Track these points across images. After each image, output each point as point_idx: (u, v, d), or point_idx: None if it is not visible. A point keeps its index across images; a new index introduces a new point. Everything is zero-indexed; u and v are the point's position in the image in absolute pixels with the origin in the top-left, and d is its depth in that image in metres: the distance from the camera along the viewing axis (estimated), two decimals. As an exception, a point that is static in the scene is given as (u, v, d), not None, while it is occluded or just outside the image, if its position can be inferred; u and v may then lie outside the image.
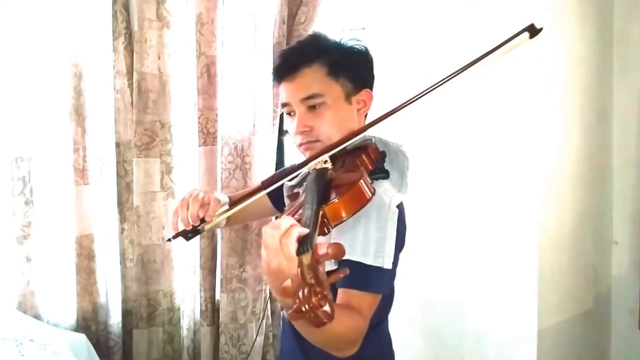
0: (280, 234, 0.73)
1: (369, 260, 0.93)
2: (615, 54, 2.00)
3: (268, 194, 1.13)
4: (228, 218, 1.15)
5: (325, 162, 1.00)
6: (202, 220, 1.09)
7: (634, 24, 1.96)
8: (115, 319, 1.71)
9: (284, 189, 1.23)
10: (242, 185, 1.73)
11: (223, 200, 1.25)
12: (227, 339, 1.77)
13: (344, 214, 0.85)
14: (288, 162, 1.86)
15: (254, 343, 1.75)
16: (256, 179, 1.72)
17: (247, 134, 1.73)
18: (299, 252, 0.71)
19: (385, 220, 0.96)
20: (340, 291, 0.94)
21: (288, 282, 0.73)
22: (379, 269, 0.94)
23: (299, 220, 0.78)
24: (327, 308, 0.64)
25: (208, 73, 1.71)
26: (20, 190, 1.56)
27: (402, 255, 1.05)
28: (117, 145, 1.72)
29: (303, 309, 0.64)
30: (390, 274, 1.00)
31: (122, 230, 1.75)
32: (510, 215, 1.79)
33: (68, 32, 1.59)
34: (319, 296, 0.64)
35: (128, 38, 1.68)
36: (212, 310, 1.78)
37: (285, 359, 1.25)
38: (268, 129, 1.75)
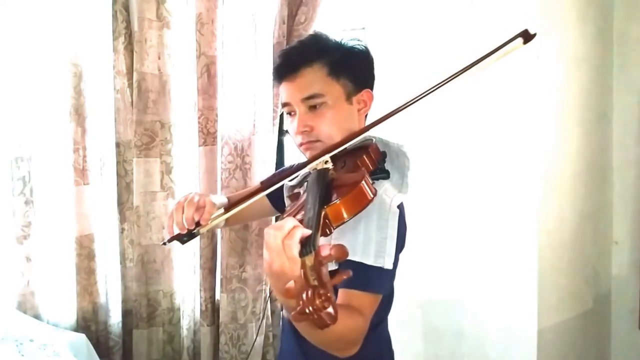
0: (283, 235, 0.73)
1: (369, 261, 0.93)
2: (615, 54, 2.00)
3: (268, 194, 1.13)
4: (227, 219, 1.15)
5: (326, 162, 1.00)
6: (198, 224, 1.08)
7: (634, 24, 1.96)
8: (115, 319, 1.71)
9: (284, 189, 1.23)
10: (242, 185, 1.73)
11: (220, 201, 1.25)
12: (227, 339, 1.77)
13: (345, 215, 0.85)
14: (288, 162, 1.86)
15: (254, 343, 1.75)
16: (256, 179, 1.72)
17: (247, 134, 1.73)
18: (302, 254, 0.71)
19: (386, 220, 0.96)
20: (341, 291, 0.94)
21: (291, 284, 0.73)
22: (380, 269, 0.94)
23: (300, 221, 0.78)
24: (330, 310, 0.64)
25: (208, 73, 1.71)
26: (20, 190, 1.56)
27: (402, 255, 1.05)
28: (117, 145, 1.72)
29: (307, 310, 0.64)
30: (391, 274, 1.00)
31: (122, 230, 1.74)
32: (510, 215, 1.79)
33: (68, 32, 1.59)
34: (323, 298, 0.64)
35: (128, 38, 1.68)
36: (212, 310, 1.78)
37: (285, 359, 1.25)
38: (268, 129, 1.75)
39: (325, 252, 0.70)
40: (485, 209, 1.85)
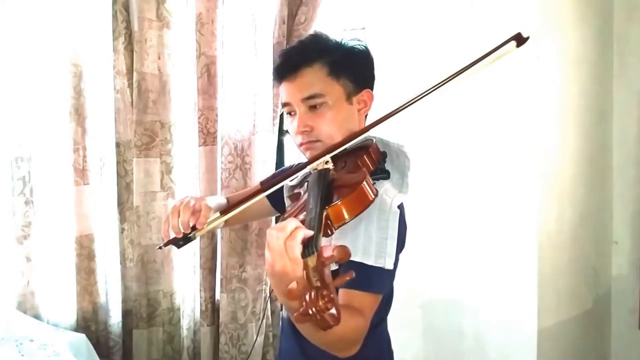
0: (285, 237, 0.73)
1: (370, 261, 0.93)
2: (615, 54, 2.01)
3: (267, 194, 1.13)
4: (227, 219, 1.15)
5: (327, 162, 1.00)
6: (194, 228, 1.08)
7: (633, 24, 1.96)
8: (115, 319, 1.71)
9: (285, 189, 1.22)
10: (242, 185, 1.73)
11: (217, 203, 1.25)
12: (227, 339, 1.77)
13: (347, 216, 0.84)
14: (288, 162, 1.86)
15: (254, 343, 1.75)
16: (256, 179, 1.72)
17: (247, 134, 1.73)
18: (304, 255, 0.71)
19: (387, 220, 0.96)
20: (341, 291, 0.93)
21: (293, 285, 0.73)
22: (380, 270, 0.94)
23: (302, 222, 0.78)
24: (333, 311, 0.64)
25: (208, 73, 1.71)
26: (20, 190, 1.56)
27: (402, 255, 1.05)
28: (117, 145, 1.72)
29: (310, 312, 0.64)
30: (391, 274, 1.00)
31: (122, 230, 1.74)
32: (510, 215, 1.79)
33: (68, 32, 1.59)
34: (326, 299, 0.64)
35: (128, 38, 1.68)
36: (212, 310, 1.78)
37: (284, 359, 1.25)
38: (268, 129, 1.75)
39: (327, 253, 0.70)
40: (485, 209, 1.85)
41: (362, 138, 1.04)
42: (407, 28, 1.98)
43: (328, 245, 0.72)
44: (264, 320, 1.78)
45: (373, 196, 0.88)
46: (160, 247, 1.14)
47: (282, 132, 1.84)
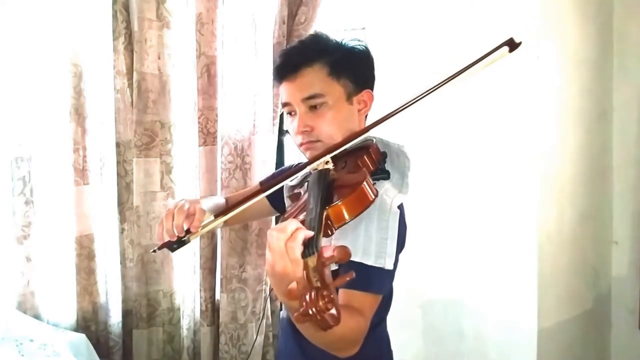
0: (286, 237, 0.73)
1: (370, 261, 0.93)
2: (615, 54, 2.00)
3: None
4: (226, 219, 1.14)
5: (327, 163, 1.00)
6: (188, 231, 1.08)
7: (633, 24, 1.96)
8: (115, 319, 1.71)
9: (285, 189, 1.22)
10: (242, 185, 1.73)
11: (215, 203, 1.25)
12: (227, 339, 1.77)
13: (347, 216, 0.84)
14: (288, 162, 1.86)
15: (254, 343, 1.75)
16: (256, 179, 1.72)
17: (247, 134, 1.73)
18: (305, 255, 0.71)
19: (387, 221, 0.96)
20: (341, 292, 0.93)
21: (293, 285, 0.73)
22: (380, 270, 0.94)
23: (302, 222, 0.78)
24: (334, 311, 0.64)
25: (208, 73, 1.71)
26: (20, 190, 1.56)
27: (402, 255, 1.05)
28: (117, 145, 1.72)
29: (310, 312, 0.64)
30: (391, 274, 1.00)
31: (122, 230, 1.74)
32: (510, 215, 1.79)
33: (68, 32, 1.59)
34: (326, 300, 0.64)
35: (128, 38, 1.68)
36: (212, 310, 1.78)
37: (284, 358, 1.25)
38: (268, 129, 1.75)
39: (327, 253, 0.70)
40: (485, 209, 1.85)
41: (362, 138, 1.04)
42: (407, 28, 1.98)
43: (328, 245, 0.72)
44: (264, 320, 1.78)
45: (373, 196, 0.88)
46: (154, 251, 1.13)
47: (282, 132, 1.84)
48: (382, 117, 0.98)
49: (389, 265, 0.94)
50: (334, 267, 0.93)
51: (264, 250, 0.93)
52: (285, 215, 1.00)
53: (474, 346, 1.91)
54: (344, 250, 0.69)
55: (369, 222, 0.95)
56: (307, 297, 0.65)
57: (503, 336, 1.83)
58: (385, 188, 1.01)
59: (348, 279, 0.67)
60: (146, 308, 1.74)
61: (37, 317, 1.59)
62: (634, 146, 1.99)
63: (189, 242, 1.09)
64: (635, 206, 2.00)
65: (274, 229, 0.76)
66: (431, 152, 1.92)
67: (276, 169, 1.79)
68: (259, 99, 1.72)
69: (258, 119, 1.73)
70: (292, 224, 0.75)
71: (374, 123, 0.99)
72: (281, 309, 1.80)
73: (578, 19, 1.87)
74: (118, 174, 1.72)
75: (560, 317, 1.86)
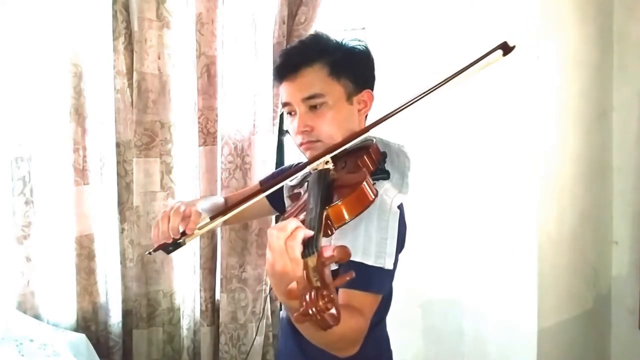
0: (286, 237, 0.73)
1: (370, 261, 0.93)
2: (615, 54, 2.00)
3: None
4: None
5: (327, 162, 1.00)
6: (183, 234, 1.08)
7: (633, 24, 1.96)
8: (115, 319, 1.71)
9: (285, 189, 1.23)
10: (242, 185, 1.73)
11: (213, 203, 1.25)
12: (227, 339, 1.77)
13: (347, 216, 0.85)
14: (288, 162, 1.86)
15: (253, 342, 1.75)
16: (256, 179, 1.72)
17: (247, 134, 1.73)
18: (305, 255, 0.72)
19: (387, 221, 0.96)
20: (341, 291, 0.94)
21: (293, 285, 0.73)
22: (380, 270, 0.94)
23: (302, 222, 0.78)
24: (333, 311, 0.64)
25: (208, 73, 1.71)
26: (20, 190, 1.56)
27: (402, 255, 1.05)
28: (117, 145, 1.72)
29: (310, 312, 0.64)
30: (391, 274, 1.00)
31: (122, 230, 1.74)
32: (510, 215, 1.79)
33: (68, 32, 1.59)
34: (326, 299, 0.64)
35: (128, 38, 1.68)
36: (212, 310, 1.78)
37: (283, 358, 1.25)
38: (268, 129, 1.75)
39: (327, 253, 0.70)
40: (485, 209, 1.85)
41: (362, 138, 1.04)
42: (407, 28, 1.98)
43: (328, 245, 0.72)
44: (264, 320, 1.78)
45: (373, 196, 0.88)
46: (149, 253, 1.13)
47: (282, 132, 1.84)
48: (381, 118, 0.98)
49: (389, 265, 0.94)
50: (334, 266, 0.93)
51: (264, 250, 0.93)
52: (285, 215, 1.00)
53: (474, 346, 1.91)
54: (344, 250, 0.70)
55: (369, 222, 0.95)
56: (307, 296, 0.65)
57: (503, 336, 1.83)
58: (385, 188, 1.01)
59: (348, 278, 0.67)
60: (146, 308, 1.73)
61: (37, 317, 1.59)
62: (634, 146, 1.99)
63: (185, 244, 1.09)
64: (635, 206, 2.00)
65: (274, 227, 0.76)
66: (431, 152, 1.92)
67: (276, 169, 1.79)
68: (259, 99, 1.72)
69: (258, 119, 1.73)
70: (292, 223, 0.75)
71: (373, 123, 1.00)
72: (281, 309, 1.80)
73: (578, 19, 1.87)
74: (118, 174, 1.72)
75: (560, 317, 1.86)
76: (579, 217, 1.91)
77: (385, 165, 1.06)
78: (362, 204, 0.86)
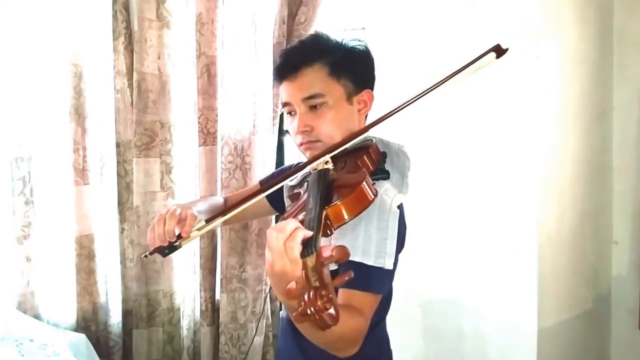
0: (285, 237, 0.74)
1: (370, 261, 0.93)
2: (615, 54, 2.00)
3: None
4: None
5: (327, 162, 1.00)
6: (179, 237, 1.08)
7: (633, 24, 1.96)
8: (115, 319, 1.71)
9: (285, 189, 1.23)
10: (242, 185, 1.73)
11: (211, 204, 1.25)
12: (227, 339, 1.77)
13: (346, 216, 0.85)
14: (288, 162, 1.86)
15: (252, 341, 1.75)
16: (256, 179, 1.72)
17: (247, 134, 1.73)
18: (303, 255, 0.72)
19: (387, 220, 0.96)
20: (341, 291, 0.94)
21: (292, 285, 0.73)
22: (380, 270, 0.94)
23: (301, 222, 0.78)
24: (332, 311, 0.64)
25: (208, 73, 1.71)
26: (20, 190, 1.56)
27: (402, 255, 1.05)
28: (117, 145, 1.72)
29: (308, 311, 0.64)
30: (391, 274, 1.00)
31: (122, 230, 1.74)
32: (510, 215, 1.79)
33: (68, 32, 1.59)
34: (325, 299, 0.64)
35: (128, 38, 1.68)
36: (212, 310, 1.78)
37: (283, 358, 1.25)
38: (268, 129, 1.75)
39: (326, 253, 0.70)
40: (485, 209, 1.85)
41: (362, 138, 1.04)
42: (407, 28, 1.98)
43: (327, 245, 0.72)
44: (264, 320, 1.78)
45: (372, 196, 0.88)
46: (145, 256, 1.13)
47: (282, 132, 1.84)
48: (379, 118, 0.98)
49: (389, 265, 0.94)
50: (334, 266, 0.93)
51: (264, 250, 0.93)
52: (285, 215, 1.01)
53: (474, 346, 1.91)
54: (343, 250, 0.70)
55: (369, 222, 0.95)
56: (306, 296, 0.65)
57: (503, 336, 1.83)
58: (385, 188, 1.01)
59: (347, 278, 0.68)
60: (146, 308, 1.73)
61: (37, 317, 1.59)
62: (634, 146, 1.99)
63: (181, 247, 1.09)
64: (635, 206, 2.00)
65: (273, 228, 0.76)
66: (431, 152, 1.92)
67: (276, 169, 1.79)
68: (259, 99, 1.72)
69: (258, 119, 1.73)
70: (291, 224, 0.75)
71: (372, 123, 1.00)
72: (281, 309, 1.80)
73: (578, 19, 1.87)
74: (118, 174, 1.72)
75: (560, 317, 1.86)
76: (579, 217, 1.92)
77: (385, 165, 1.06)
78: (361, 204, 0.86)
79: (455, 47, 1.80)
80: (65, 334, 1.54)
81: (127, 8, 1.66)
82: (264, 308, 1.77)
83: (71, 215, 1.63)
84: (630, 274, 2.02)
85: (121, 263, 1.74)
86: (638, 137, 1.98)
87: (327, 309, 0.64)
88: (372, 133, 1.02)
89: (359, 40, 1.16)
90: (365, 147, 1.06)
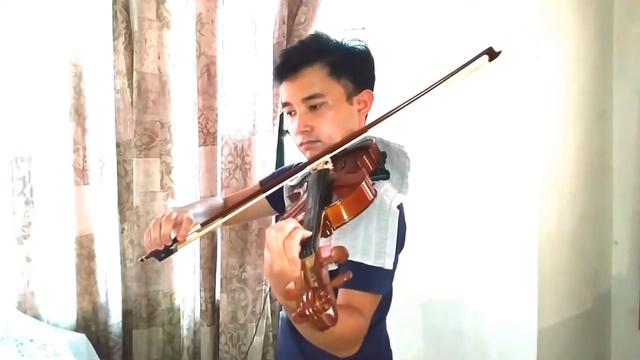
0: (284, 237, 0.74)
1: (370, 261, 0.93)
2: (615, 54, 2.00)
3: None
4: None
5: (327, 162, 1.00)
6: (175, 240, 1.08)
7: (634, 24, 1.96)
8: (115, 319, 1.71)
9: (284, 189, 1.23)
10: (242, 185, 1.73)
11: (210, 205, 1.25)
12: (227, 339, 1.77)
13: (345, 216, 0.85)
14: (288, 162, 1.86)
15: (252, 341, 1.75)
16: (256, 179, 1.72)
17: (247, 134, 1.73)
18: (302, 255, 0.72)
19: (386, 220, 0.96)
20: (341, 291, 0.94)
21: (291, 285, 0.73)
22: (380, 270, 0.94)
23: (301, 222, 0.78)
24: (330, 312, 0.64)
25: (208, 73, 1.71)
26: (20, 190, 1.56)
27: (402, 255, 1.05)
28: (117, 145, 1.72)
29: (307, 312, 0.64)
30: (391, 274, 1.00)
31: (122, 230, 1.74)
32: (510, 215, 1.79)
33: (68, 32, 1.59)
34: (323, 300, 0.64)
35: (128, 38, 1.68)
36: (212, 310, 1.78)
37: (283, 358, 1.25)
38: (268, 129, 1.75)
39: (325, 253, 0.70)
40: (485, 209, 1.85)
41: (361, 138, 1.04)
42: (407, 28, 1.98)
43: (326, 245, 0.72)
44: (264, 320, 1.78)
45: (372, 197, 0.88)
46: (141, 260, 1.13)
47: (282, 132, 1.84)
48: (378, 118, 0.98)
49: (389, 265, 0.94)
50: (333, 267, 0.93)
51: (264, 250, 0.93)
52: (284, 215, 1.00)
53: (474, 346, 1.91)
54: (342, 251, 0.70)
55: (369, 222, 0.95)
56: (304, 297, 0.65)
57: (503, 336, 1.83)
58: (385, 188, 1.01)
59: (345, 279, 0.67)
60: (146, 308, 1.73)
61: (37, 317, 1.59)
62: (634, 146, 1.99)
63: (176, 251, 1.09)
64: (635, 206, 2.00)
65: (272, 227, 0.76)
66: (431, 152, 1.92)
67: (276, 169, 1.79)
68: (259, 99, 1.72)
69: (258, 119, 1.73)
70: (290, 223, 0.75)
71: (371, 123, 1.00)
72: (281, 309, 1.80)
73: (578, 19, 1.87)
74: (118, 174, 1.72)
75: (560, 317, 1.86)
76: (579, 217, 1.91)
77: (385, 165, 1.06)
78: (360, 204, 0.86)
79: (455, 47, 1.80)
80: (65, 334, 1.54)
81: (127, 8, 1.67)
82: (264, 308, 1.77)
83: (71, 215, 1.63)
84: (630, 274, 2.02)
85: (121, 263, 1.74)
86: (638, 137, 1.98)
87: (326, 310, 0.64)
88: (372, 133, 1.02)
89: (359, 40, 1.15)
90: (365, 147, 1.06)
